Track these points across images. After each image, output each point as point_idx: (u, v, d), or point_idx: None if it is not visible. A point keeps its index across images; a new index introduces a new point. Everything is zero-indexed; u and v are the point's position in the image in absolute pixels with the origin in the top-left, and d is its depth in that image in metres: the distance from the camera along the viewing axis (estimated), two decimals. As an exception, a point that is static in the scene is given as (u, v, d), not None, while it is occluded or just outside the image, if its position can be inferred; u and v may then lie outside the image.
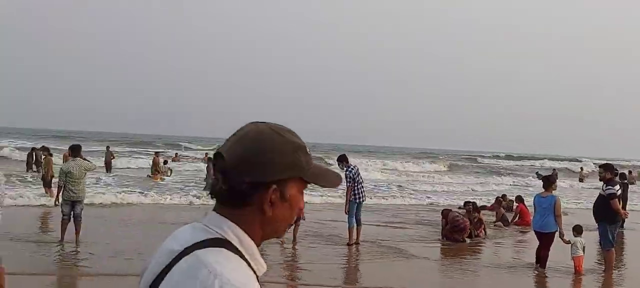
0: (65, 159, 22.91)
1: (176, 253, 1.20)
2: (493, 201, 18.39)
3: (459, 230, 12.74)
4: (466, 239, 12.81)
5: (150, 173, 25.50)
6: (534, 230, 10.24)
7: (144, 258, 9.23)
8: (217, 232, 1.23)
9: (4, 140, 44.98)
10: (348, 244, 11.67)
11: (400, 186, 29.20)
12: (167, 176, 25.83)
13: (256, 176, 1.22)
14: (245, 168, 1.22)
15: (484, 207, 16.88)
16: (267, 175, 1.23)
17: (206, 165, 23.67)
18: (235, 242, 1.23)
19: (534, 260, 10.24)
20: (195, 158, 41.94)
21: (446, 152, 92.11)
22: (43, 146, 24.28)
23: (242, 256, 1.22)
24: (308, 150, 1.31)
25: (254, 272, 1.23)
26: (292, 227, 11.67)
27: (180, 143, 63.62)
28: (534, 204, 10.34)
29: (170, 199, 17.99)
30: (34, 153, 26.13)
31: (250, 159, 1.22)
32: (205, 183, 22.72)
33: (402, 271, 9.94)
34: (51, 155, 19.20)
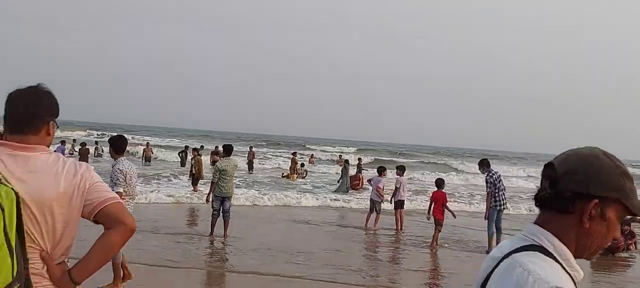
0: (212, 158, 24.58)
1: (498, 259, 1.41)
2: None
3: (610, 249, 11.83)
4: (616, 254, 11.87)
5: (286, 174, 26.59)
6: None
7: (287, 254, 9.77)
8: (532, 240, 1.41)
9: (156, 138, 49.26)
10: (487, 252, 11.28)
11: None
12: (303, 177, 26.67)
13: (581, 187, 1.36)
14: (572, 178, 1.37)
15: (633, 218, 15.45)
16: (591, 188, 1.36)
17: (342, 167, 24.13)
18: (549, 248, 1.38)
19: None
20: (329, 160, 43.11)
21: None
22: (201, 146, 26.34)
23: (556, 260, 1.37)
24: (633, 180, 1.42)
25: (571, 277, 1.37)
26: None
27: (309, 145, 65.38)
28: None
29: (305, 200, 18.38)
30: (185, 152, 28.26)
31: (578, 171, 1.37)
32: (338, 184, 23.26)
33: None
34: (201, 155, 20.43)
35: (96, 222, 2.09)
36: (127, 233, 2.06)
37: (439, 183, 12.22)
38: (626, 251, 12.27)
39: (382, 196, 13.89)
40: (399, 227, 13.61)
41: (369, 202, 14.46)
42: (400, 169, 14.47)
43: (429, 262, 10.69)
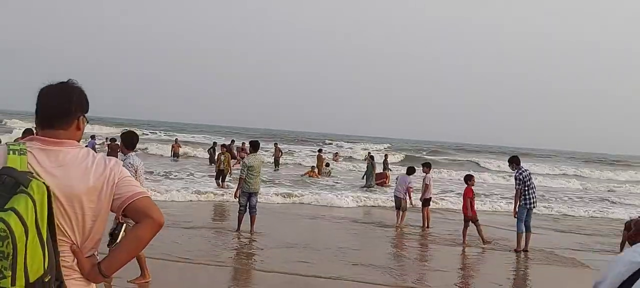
0: (238, 154, 24.73)
1: (638, 265, 1.20)
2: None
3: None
4: None
5: (308, 171, 26.33)
6: None
7: (311, 251, 9.78)
8: None
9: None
10: (515, 250, 11.14)
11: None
12: (328, 176, 26.60)
13: None
14: None
15: None
16: None
17: (367, 163, 24.09)
18: None
19: None
20: (353, 158, 42.90)
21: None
22: (232, 141, 26.54)
23: None
24: None
25: None
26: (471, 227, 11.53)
27: (335, 141, 65.32)
28: None
29: (331, 200, 17.62)
30: (214, 148, 28.48)
31: None
32: (364, 180, 23.27)
33: (568, 281, 9.25)
34: (229, 151, 20.53)
35: (125, 216, 2.11)
36: (155, 227, 2.08)
37: (467, 179, 12.09)
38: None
39: (410, 197, 13.74)
40: (426, 225, 13.53)
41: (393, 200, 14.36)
42: (427, 166, 14.37)
43: (457, 260, 10.59)
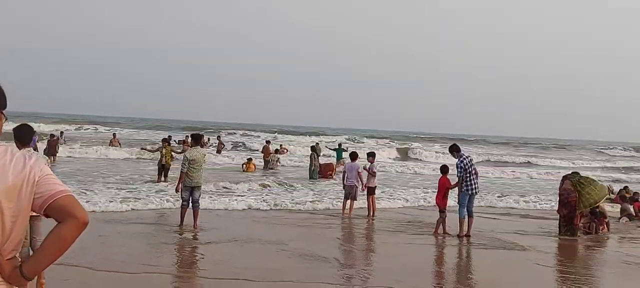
0: (182, 148, 24.14)
1: None
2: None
3: (564, 204, 12.31)
4: (579, 228, 12.31)
5: (248, 162, 25.07)
6: None
7: (257, 244, 9.66)
8: None
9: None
10: (458, 236, 11.39)
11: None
12: (275, 166, 26.23)
13: None
14: None
15: None
16: None
17: (310, 154, 23.72)
18: None
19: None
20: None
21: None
22: (169, 136, 25.74)
23: None
24: None
25: None
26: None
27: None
28: None
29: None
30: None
31: None
32: (309, 173, 22.88)
33: (509, 266, 9.53)
34: (170, 144, 20.05)
35: (47, 216, 2.00)
36: (80, 226, 1.98)
37: (442, 169, 12.14)
38: (595, 233, 12.52)
39: (362, 181, 13.86)
40: (371, 213, 13.66)
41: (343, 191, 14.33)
42: (372, 156, 14.53)
43: (401, 248, 10.62)
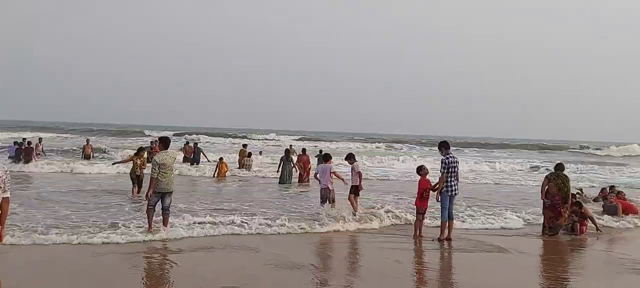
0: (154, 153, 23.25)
1: None
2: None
3: (549, 207, 12.21)
4: (562, 228, 12.23)
5: (218, 168, 24.30)
6: None
7: (231, 249, 9.15)
8: None
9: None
10: (438, 239, 11.03)
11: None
12: (248, 169, 25.69)
13: None
14: None
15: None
16: None
17: (283, 155, 23.06)
18: None
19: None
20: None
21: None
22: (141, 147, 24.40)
23: None
24: None
25: None
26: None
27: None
28: None
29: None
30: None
31: None
32: (279, 177, 22.09)
33: (492, 270, 9.19)
34: (142, 153, 17.57)
35: None
36: None
37: (419, 169, 11.78)
38: (578, 234, 12.32)
39: (339, 177, 13.51)
40: (354, 213, 13.12)
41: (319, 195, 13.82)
42: (352, 158, 14.03)
43: (379, 252, 10.20)
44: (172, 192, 10.68)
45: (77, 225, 10.98)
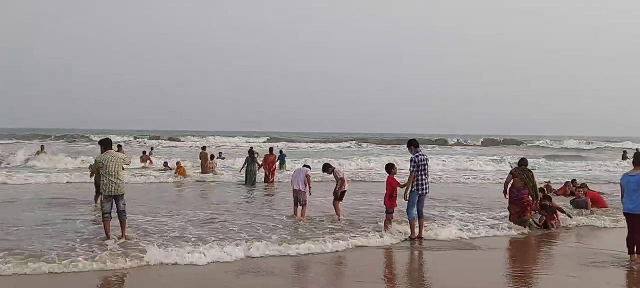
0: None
1: None
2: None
3: (515, 202, 12.18)
4: (533, 222, 12.21)
5: (178, 167, 24.15)
6: (625, 213, 9.04)
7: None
8: None
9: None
10: (410, 238, 10.74)
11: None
12: (213, 171, 25.09)
13: None
14: None
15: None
16: None
17: (247, 156, 22.58)
18: None
19: (625, 250, 9.04)
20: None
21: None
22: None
23: None
24: None
25: None
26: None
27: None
28: (621, 185, 9.15)
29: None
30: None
31: None
32: (245, 178, 21.75)
33: (465, 268, 8.96)
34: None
35: None
36: None
37: (388, 167, 11.51)
38: (546, 228, 12.23)
39: (309, 185, 12.95)
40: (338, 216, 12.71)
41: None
42: (329, 167, 13.51)
43: (354, 253, 9.88)
44: (123, 194, 10.03)
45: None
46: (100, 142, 10.37)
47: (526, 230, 11.82)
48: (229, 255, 8.97)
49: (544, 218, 12.32)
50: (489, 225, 12.25)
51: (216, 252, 9.01)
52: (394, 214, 11.29)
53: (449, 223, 12.31)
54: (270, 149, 24.39)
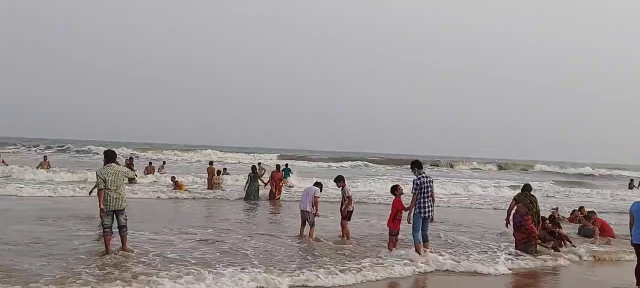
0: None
1: None
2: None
3: (519, 228, 12.00)
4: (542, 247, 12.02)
5: (175, 184, 24.12)
6: (634, 244, 8.86)
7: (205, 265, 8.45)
8: None
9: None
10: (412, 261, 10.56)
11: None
12: (219, 187, 24.94)
13: None
14: None
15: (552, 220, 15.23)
16: None
17: (250, 172, 22.57)
18: None
19: (634, 280, 8.87)
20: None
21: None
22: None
23: None
24: None
25: None
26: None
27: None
28: (631, 213, 8.96)
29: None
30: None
31: None
32: (245, 192, 21.91)
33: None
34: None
35: None
36: None
37: (393, 189, 11.42)
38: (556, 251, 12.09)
39: (317, 208, 12.69)
40: (346, 238, 12.58)
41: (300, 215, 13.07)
42: (342, 180, 13.14)
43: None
44: (124, 209, 9.89)
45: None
46: (104, 154, 10.29)
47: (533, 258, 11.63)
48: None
49: (553, 242, 12.24)
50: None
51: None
52: (397, 236, 11.15)
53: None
54: (278, 166, 24.71)
